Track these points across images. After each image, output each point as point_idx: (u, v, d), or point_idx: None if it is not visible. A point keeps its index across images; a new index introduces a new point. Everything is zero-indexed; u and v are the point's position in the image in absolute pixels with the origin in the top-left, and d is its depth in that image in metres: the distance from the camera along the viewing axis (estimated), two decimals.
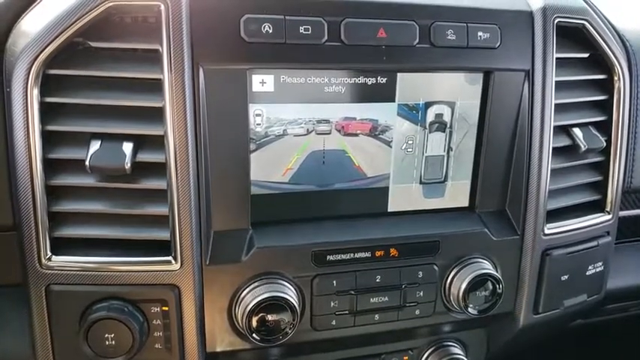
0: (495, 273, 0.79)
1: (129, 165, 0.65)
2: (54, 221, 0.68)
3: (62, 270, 0.68)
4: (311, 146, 0.74)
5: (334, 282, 0.75)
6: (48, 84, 0.65)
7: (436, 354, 0.90)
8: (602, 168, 0.89)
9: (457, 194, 0.83)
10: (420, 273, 0.79)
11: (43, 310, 0.69)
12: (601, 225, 0.89)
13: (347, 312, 0.77)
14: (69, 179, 0.67)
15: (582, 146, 0.83)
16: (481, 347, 0.95)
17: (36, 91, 0.64)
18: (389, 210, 0.81)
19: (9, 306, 0.77)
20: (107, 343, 0.67)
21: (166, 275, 0.69)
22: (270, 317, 0.71)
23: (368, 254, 0.76)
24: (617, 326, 1.37)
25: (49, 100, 0.65)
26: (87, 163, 0.65)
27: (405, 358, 0.90)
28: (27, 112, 0.64)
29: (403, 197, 0.81)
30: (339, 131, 0.75)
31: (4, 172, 0.70)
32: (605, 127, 0.88)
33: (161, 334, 0.70)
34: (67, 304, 0.68)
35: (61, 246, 0.69)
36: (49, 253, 0.67)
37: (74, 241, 0.69)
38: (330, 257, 0.75)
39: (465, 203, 0.84)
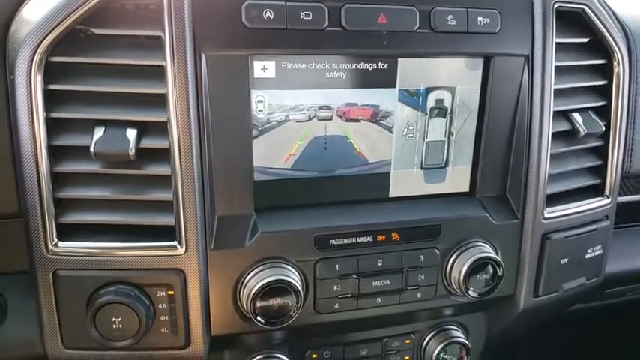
0: (496, 256, 0.80)
1: (133, 151, 0.66)
2: (60, 208, 0.69)
3: (69, 255, 0.68)
4: (313, 132, 0.75)
5: (337, 266, 0.76)
6: (51, 71, 0.66)
7: (437, 337, 0.91)
8: (602, 153, 0.90)
9: (458, 179, 0.84)
10: (422, 257, 0.80)
11: (50, 296, 0.70)
12: (600, 209, 0.90)
13: (349, 295, 0.78)
14: (74, 166, 0.68)
15: (582, 131, 0.84)
16: (481, 330, 0.97)
17: (39, 79, 0.65)
18: (390, 195, 0.81)
19: (16, 293, 0.78)
20: (114, 326, 0.68)
21: (171, 260, 0.70)
22: (273, 300, 0.72)
23: (370, 238, 0.77)
24: (615, 311, 1.39)
25: (52, 87, 0.66)
26: (91, 149, 0.65)
27: (407, 341, 0.91)
28: (31, 100, 0.65)
29: (404, 183, 0.81)
30: (340, 117, 0.75)
31: (9, 160, 0.71)
32: (604, 112, 0.88)
33: (167, 317, 0.71)
34: (74, 289, 0.69)
35: (67, 232, 0.69)
36: (56, 239, 0.68)
37: (80, 227, 0.70)
38: (332, 242, 0.76)
39: (466, 188, 0.85)
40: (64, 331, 0.71)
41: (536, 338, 1.53)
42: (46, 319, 0.71)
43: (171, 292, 0.70)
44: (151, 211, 0.70)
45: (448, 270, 0.81)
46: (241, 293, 0.73)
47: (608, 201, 0.91)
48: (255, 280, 0.72)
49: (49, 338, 0.72)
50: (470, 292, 0.80)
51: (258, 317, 0.72)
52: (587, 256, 0.90)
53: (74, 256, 0.69)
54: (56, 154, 0.68)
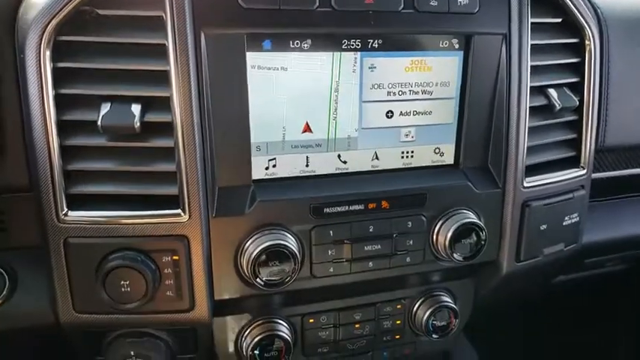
0: (479, 222, 0.85)
1: (138, 124, 0.70)
2: (69, 179, 0.73)
3: (78, 224, 0.73)
4: None
5: (331, 232, 0.82)
6: (59, 50, 0.70)
7: (427, 302, 0.97)
8: (577, 126, 0.96)
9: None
10: (410, 223, 0.85)
11: (62, 263, 0.74)
12: (576, 179, 0.96)
13: (343, 260, 0.83)
14: (82, 140, 0.72)
15: (557, 105, 0.90)
16: (468, 296, 1.02)
17: (48, 57, 0.69)
18: (380, 168, 0.87)
19: (26, 267, 0.82)
20: (123, 290, 0.72)
21: (176, 227, 0.74)
22: (272, 264, 0.77)
23: (361, 207, 0.82)
24: (595, 284, 1.46)
25: (61, 65, 0.70)
26: (99, 123, 0.70)
27: (398, 306, 0.96)
28: (40, 77, 0.69)
29: (392, 156, 0.87)
30: None
31: (19, 136, 0.75)
32: (578, 88, 0.94)
33: (172, 282, 0.76)
34: (84, 256, 0.74)
35: (76, 202, 0.74)
36: (66, 209, 0.73)
37: (89, 198, 0.74)
38: (326, 210, 0.81)
39: (451, 161, 0.90)
40: (76, 296, 0.76)
41: (522, 315, 1.60)
42: (58, 286, 0.75)
43: (176, 258, 0.75)
44: (156, 181, 0.74)
45: (435, 236, 0.87)
46: (242, 259, 0.78)
47: (583, 172, 0.97)
48: (255, 246, 0.77)
49: (62, 304, 0.76)
50: (455, 256, 0.86)
51: (258, 280, 0.77)
52: (564, 223, 0.96)
53: (83, 224, 0.73)
54: (65, 128, 0.72)
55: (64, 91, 0.70)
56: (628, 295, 1.56)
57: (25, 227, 0.80)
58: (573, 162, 0.97)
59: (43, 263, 0.78)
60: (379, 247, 0.84)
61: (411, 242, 0.86)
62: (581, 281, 1.37)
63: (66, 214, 0.73)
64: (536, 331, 1.69)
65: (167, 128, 0.73)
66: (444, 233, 0.86)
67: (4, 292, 0.81)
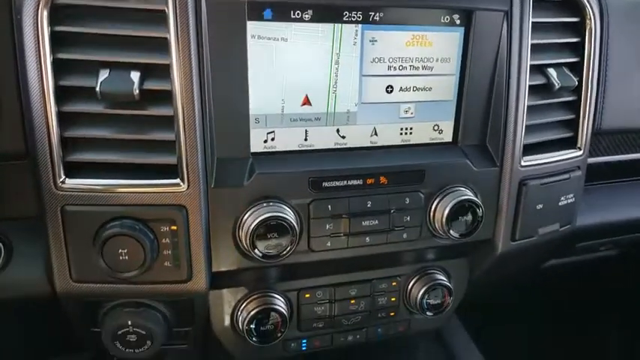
0: (476, 199, 0.86)
1: (137, 91, 0.70)
2: (66, 146, 0.72)
3: (76, 192, 0.72)
4: None
5: (329, 206, 0.82)
6: (58, 14, 0.69)
7: (422, 280, 0.97)
8: (575, 107, 0.96)
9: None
10: (407, 199, 0.85)
11: (59, 231, 0.74)
12: (573, 160, 0.96)
13: (341, 234, 0.83)
14: (80, 106, 0.72)
15: (556, 84, 0.90)
16: (463, 276, 1.03)
17: (46, 20, 0.68)
18: (378, 144, 0.87)
19: (21, 237, 0.81)
20: (121, 258, 0.72)
21: (174, 196, 0.74)
22: (271, 236, 0.77)
23: (360, 182, 0.82)
24: (586, 270, 1.47)
25: (58, 29, 0.69)
26: (97, 89, 0.69)
27: (393, 283, 0.97)
28: (38, 41, 0.68)
29: (391, 132, 0.87)
30: None
31: (15, 102, 0.74)
32: (577, 69, 0.94)
33: (170, 252, 0.76)
34: (81, 224, 0.73)
35: (74, 170, 0.73)
36: (63, 176, 0.72)
37: (86, 166, 0.74)
38: (325, 184, 0.81)
39: (449, 139, 0.90)
40: (73, 265, 0.75)
41: (513, 299, 1.61)
42: (55, 254, 0.75)
43: (174, 228, 0.75)
44: (154, 150, 0.74)
45: (432, 212, 0.87)
46: (240, 231, 0.78)
47: (580, 152, 0.97)
48: (253, 218, 0.77)
49: (58, 273, 0.76)
50: (452, 232, 0.86)
51: (256, 252, 0.77)
52: (560, 204, 0.96)
53: (81, 192, 0.72)
54: (63, 94, 0.71)
55: (61, 55, 0.70)
56: (619, 280, 1.58)
57: (21, 197, 0.79)
58: (570, 143, 0.98)
59: (38, 234, 0.77)
60: (376, 222, 0.85)
61: (409, 218, 0.86)
62: (572, 267, 1.38)
63: (63, 182, 0.72)
64: (527, 315, 1.71)
65: (166, 96, 0.72)
66: (441, 210, 0.86)
67: None
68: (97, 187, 0.73)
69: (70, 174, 0.73)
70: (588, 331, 1.70)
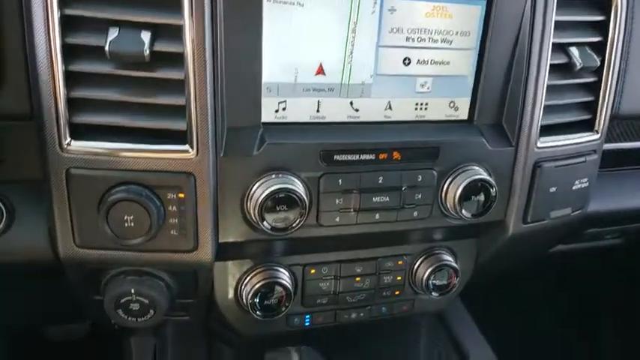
0: (489, 178, 0.84)
1: (147, 52, 0.67)
2: (73, 108, 0.70)
3: (82, 155, 0.70)
4: None
5: (340, 181, 0.80)
6: None
7: (429, 260, 0.96)
8: (595, 89, 0.93)
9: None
10: (420, 177, 0.83)
11: (63, 194, 0.72)
12: (589, 143, 0.94)
13: (350, 210, 0.81)
14: (88, 66, 0.69)
15: (578, 64, 0.87)
16: (470, 257, 1.02)
17: None
18: (392, 119, 0.84)
19: (24, 201, 0.79)
20: (126, 224, 0.70)
21: (183, 163, 0.72)
22: (280, 208, 0.75)
23: (372, 156, 0.80)
24: (591, 257, 1.47)
25: None
26: (106, 48, 0.66)
27: (399, 262, 0.96)
28: None
29: (406, 107, 0.84)
30: None
31: (21, 60, 0.71)
32: (600, 49, 0.92)
33: (176, 220, 0.74)
34: (86, 188, 0.71)
35: (80, 133, 0.71)
36: (69, 138, 0.70)
37: (93, 130, 0.71)
38: (337, 157, 0.79)
39: (465, 117, 0.88)
40: (77, 230, 0.73)
41: (517, 285, 1.61)
42: (59, 219, 0.73)
43: (181, 196, 0.73)
44: (163, 115, 0.71)
45: (444, 191, 0.85)
46: (249, 203, 0.76)
47: (597, 136, 0.95)
48: (263, 189, 0.75)
49: (62, 238, 0.74)
50: (464, 212, 0.84)
51: (264, 224, 0.75)
52: (574, 187, 0.94)
53: (87, 155, 0.70)
54: (70, 53, 0.68)
55: (69, 12, 0.67)
56: (623, 269, 1.57)
57: (25, 159, 0.77)
58: (587, 126, 0.95)
59: (42, 198, 0.75)
60: (387, 199, 0.83)
61: (420, 196, 0.84)
62: (578, 253, 1.38)
63: (69, 144, 0.70)
64: (530, 302, 1.71)
65: (177, 59, 0.69)
66: (453, 189, 0.84)
67: (1, 225, 0.78)
68: (103, 150, 0.70)
69: (76, 137, 0.71)
70: (589, 317, 1.71)
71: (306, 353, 0.78)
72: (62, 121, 0.69)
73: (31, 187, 0.77)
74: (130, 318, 0.79)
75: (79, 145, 0.70)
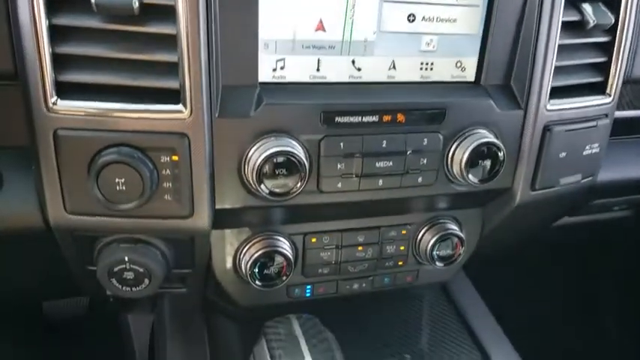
0: (498, 141, 0.80)
1: (137, 5, 0.63)
2: (59, 65, 0.66)
3: (69, 114, 0.66)
4: None
5: (341, 144, 0.76)
6: None
7: (433, 229, 0.93)
8: (608, 49, 0.89)
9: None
10: (425, 140, 0.80)
11: (51, 157, 0.68)
12: (601, 107, 0.90)
13: (352, 175, 0.78)
14: (73, 19, 0.65)
15: (591, 21, 0.83)
16: (476, 227, 0.99)
17: None
18: (396, 79, 0.81)
19: (12, 168, 0.76)
20: (118, 188, 0.67)
21: (176, 123, 0.68)
22: (279, 172, 0.72)
23: (375, 118, 0.77)
24: (597, 231, 1.44)
25: None
26: (92, 1, 0.62)
27: (402, 232, 0.93)
28: None
29: (410, 67, 0.80)
30: None
31: (3, 15, 0.67)
32: (614, 6, 0.87)
33: (170, 184, 0.71)
34: (75, 151, 0.68)
35: (67, 92, 0.67)
36: (55, 97, 0.66)
37: (81, 89, 0.67)
38: (338, 119, 0.75)
39: (472, 78, 0.84)
40: (67, 195, 0.70)
41: (521, 258, 1.59)
42: (47, 184, 0.70)
43: (175, 158, 0.69)
44: (155, 73, 0.68)
45: (450, 156, 0.81)
46: (246, 167, 0.73)
47: (609, 99, 0.91)
48: (260, 152, 0.71)
49: (51, 204, 0.71)
50: (470, 177, 0.81)
51: (262, 188, 0.72)
52: (584, 153, 0.91)
53: (75, 115, 0.67)
54: (54, 6, 0.64)
55: None
56: (629, 243, 1.55)
57: (11, 124, 0.73)
58: (599, 88, 0.91)
59: (30, 166, 0.72)
60: (391, 164, 0.79)
61: (425, 161, 0.81)
62: (584, 227, 1.35)
63: (55, 103, 0.66)
64: (535, 272, 1.69)
65: (169, 13, 0.65)
66: (460, 153, 0.80)
67: None
68: (92, 110, 0.67)
69: (63, 96, 0.67)
70: (592, 289, 1.69)
71: (306, 321, 0.76)
72: (47, 78, 0.65)
73: (20, 154, 0.74)
74: (124, 287, 0.76)
75: (66, 105, 0.66)
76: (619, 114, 1.11)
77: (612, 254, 1.66)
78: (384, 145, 0.78)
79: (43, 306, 1.50)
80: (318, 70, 0.76)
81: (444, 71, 0.82)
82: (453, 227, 0.94)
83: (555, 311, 1.70)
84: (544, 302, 1.69)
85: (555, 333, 1.66)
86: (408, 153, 0.79)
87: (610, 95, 0.91)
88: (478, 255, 1.05)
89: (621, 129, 1.15)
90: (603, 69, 0.90)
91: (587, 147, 0.91)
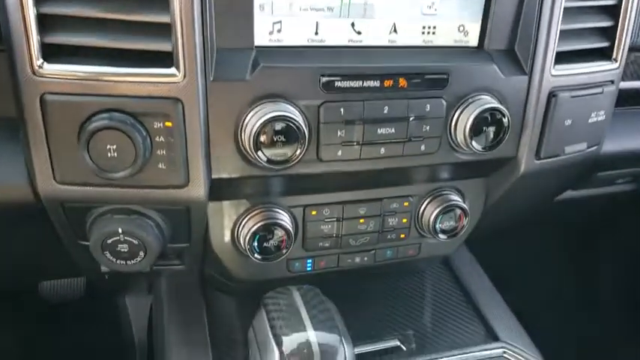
0: (502, 107, 0.78)
1: None
2: (45, 26, 0.63)
3: (57, 78, 0.63)
4: None
5: (342, 110, 0.73)
6: None
7: (436, 201, 0.91)
8: (615, 14, 0.87)
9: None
10: (428, 106, 0.77)
11: (39, 124, 0.65)
12: (607, 72, 0.88)
13: (354, 143, 0.75)
14: None
15: None
16: (479, 198, 0.97)
17: None
18: (397, 43, 0.78)
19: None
20: (109, 155, 0.64)
21: (169, 87, 0.65)
22: (277, 138, 0.69)
23: (377, 83, 0.74)
24: (600, 205, 1.43)
25: None
26: None
27: (405, 204, 0.90)
28: None
29: (412, 30, 0.78)
30: None
31: None
32: None
33: (164, 152, 0.68)
34: (64, 117, 0.65)
35: (55, 55, 0.64)
36: (41, 60, 0.63)
37: (69, 52, 0.64)
38: (338, 83, 0.72)
39: (475, 43, 0.81)
40: (56, 164, 0.67)
41: (523, 233, 1.58)
42: (36, 152, 0.67)
43: (169, 124, 0.66)
44: (147, 34, 0.64)
45: (453, 122, 0.79)
46: (243, 134, 0.70)
47: (615, 65, 0.88)
48: (258, 117, 0.68)
49: (40, 174, 0.68)
50: (474, 144, 0.79)
51: (260, 154, 0.69)
52: (590, 120, 0.89)
53: (63, 79, 0.63)
54: None
55: None
56: (631, 220, 1.54)
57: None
58: (605, 54, 0.89)
59: (18, 136, 0.69)
60: (393, 131, 0.77)
61: (428, 128, 0.78)
62: (586, 203, 1.33)
63: (41, 66, 0.63)
64: (536, 250, 1.68)
65: None
66: (464, 119, 0.78)
67: None
68: (81, 73, 0.64)
69: (50, 60, 0.64)
70: (593, 266, 1.68)
71: (307, 291, 0.74)
72: (32, 39, 0.62)
73: (8, 124, 0.71)
74: (118, 261, 0.73)
75: (53, 69, 0.63)
76: (624, 84, 1.09)
77: (614, 232, 1.65)
78: (385, 111, 0.75)
79: (40, 288, 1.48)
80: (316, 33, 0.74)
81: (447, 36, 0.79)
82: (456, 199, 0.91)
83: (558, 288, 1.69)
84: (545, 280, 1.68)
85: (559, 311, 1.66)
86: (411, 119, 0.77)
87: (616, 61, 0.88)
88: (479, 230, 1.03)
89: (626, 100, 1.13)
90: (610, 34, 0.88)
91: (593, 114, 0.89)
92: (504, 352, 0.91)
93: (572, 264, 1.72)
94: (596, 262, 1.68)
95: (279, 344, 0.68)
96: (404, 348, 0.94)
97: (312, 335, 0.67)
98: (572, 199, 1.27)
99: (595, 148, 0.94)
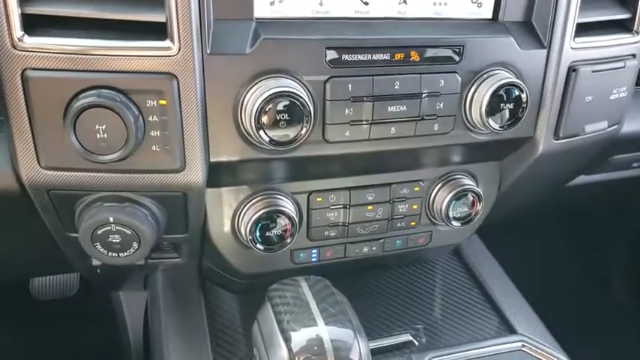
0: (520, 82, 0.73)
1: None
2: None
3: (39, 52, 0.58)
4: None
5: (349, 86, 0.68)
6: None
7: (448, 185, 0.86)
8: None
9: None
10: (442, 82, 0.72)
11: (21, 103, 0.60)
12: (629, 45, 0.83)
13: (362, 122, 0.70)
14: None
15: None
16: (493, 182, 0.91)
17: None
18: (407, 15, 0.72)
19: None
20: (98, 136, 0.59)
21: (163, 62, 0.60)
22: (280, 117, 0.64)
23: (387, 56, 0.69)
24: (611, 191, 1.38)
25: None
26: None
27: (415, 189, 0.85)
28: None
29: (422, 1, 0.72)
30: None
31: None
32: None
33: (158, 133, 0.62)
34: (48, 94, 0.59)
35: (38, 28, 0.58)
36: (22, 32, 0.57)
37: (54, 25, 0.59)
38: (345, 57, 0.67)
39: (489, 15, 0.76)
40: (40, 147, 0.62)
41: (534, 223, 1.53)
42: (18, 134, 0.61)
43: (163, 102, 0.61)
44: (138, 5, 0.59)
45: (469, 99, 0.74)
46: (243, 113, 0.65)
47: (637, 38, 0.83)
48: (259, 93, 0.63)
49: (23, 158, 0.63)
50: (491, 123, 0.73)
51: (262, 134, 0.64)
52: (611, 97, 0.83)
53: (46, 53, 0.58)
54: None
55: None
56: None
57: None
58: (625, 27, 0.84)
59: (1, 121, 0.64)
60: (405, 108, 0.71)
61: (442, 105, 0.73)
62: (600, 188, 1.29)
63: (21, 39, 0.57)
64: (547, 239, 1.64)
65: None
66: (480, 96, 0.73)
67: None
68: (66, 47, 0.58)
69: (33, 33, 0.58)
70: (604, 254, 1.64)
71: (316, 282, 0.69)
72: (11, 8, 0.56)
73: None
74: (110, 253, 0.68)
75: (35, 42, 0.58)
76: None
77: (625, 219, 1.61)
78: (396, 87, 0.70)
79: (31, 286, 1.42)
80: (320, 4, 0.68)
81: (459, 7, 0.74)
82: (470, 183, 0.86)
83: (570, 276, 1.65)
84: (557, 268, 1.64)
85: (576, 302, 1.61)
86: (424, 96, 0.71)
87: (638, 33, 0.83)
88: (490, 217, 0.98)
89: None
90: (631, 5, 0.83)
91: (615, 90, 0.84)
92: (523, 346, 0.86)
93: (583, 252, 1.68)
94: (608, 251, 1.64)
95: (288, 341, 0.62)
96: (416, 343, 0.89)
97: (323, 330, 0.62)
98: (583, 184, 1.23)
99: (616, 127, 0.89)
